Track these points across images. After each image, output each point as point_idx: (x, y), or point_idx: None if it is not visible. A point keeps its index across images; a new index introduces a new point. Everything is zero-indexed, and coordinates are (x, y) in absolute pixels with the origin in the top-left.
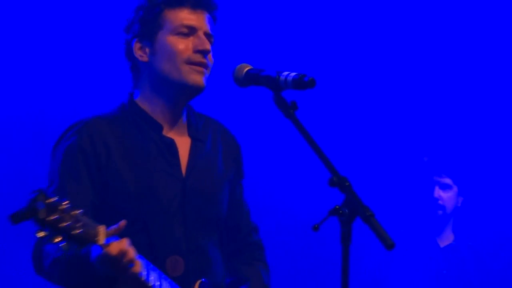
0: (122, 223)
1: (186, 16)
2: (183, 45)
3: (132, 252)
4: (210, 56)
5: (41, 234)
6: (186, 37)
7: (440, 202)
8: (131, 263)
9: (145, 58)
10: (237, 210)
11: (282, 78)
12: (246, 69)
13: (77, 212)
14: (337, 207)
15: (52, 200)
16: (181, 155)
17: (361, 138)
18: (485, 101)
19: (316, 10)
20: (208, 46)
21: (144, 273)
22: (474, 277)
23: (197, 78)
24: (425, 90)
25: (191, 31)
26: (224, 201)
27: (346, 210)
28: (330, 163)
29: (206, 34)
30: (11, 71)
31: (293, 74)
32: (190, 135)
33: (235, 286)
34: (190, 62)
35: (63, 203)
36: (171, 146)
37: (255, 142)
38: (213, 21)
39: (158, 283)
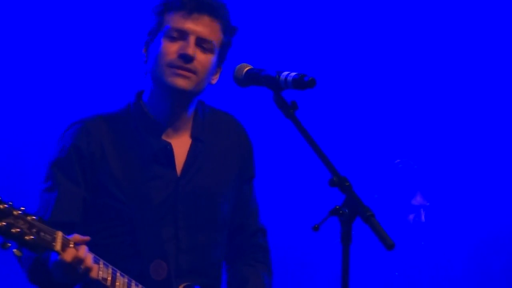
0: (87, 238)
1: (179, 20)
2: (169, 49)
3: (88, 260)
4: (197, 61)
5: None
6: (176, 41)
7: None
8: (86, 270)
9: (145, 59)
10: (242, 210)
11: (282, 78)
12: (246, 69)
13: (32, 217)
14: (337, 207)
15: (4, 206)
16: (179, 156)
17: (361, 138)
18: (486, 104)
19: (316, 10)
20: (190, 51)
21: (109, 279)
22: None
23: (177, 80)
24: (426, 90)
25: (181, 35)
26: (227, 200)
27: (346, 210)
28: (330, 163)
29: (199, 39)
30: (18, 72)
31: (293, 74)
32: (192, 135)
33: None
34: (172, 65)
35: (18, 209)
36: (166, 149)
37: (255, 142)
38: (218, 24)
39: None
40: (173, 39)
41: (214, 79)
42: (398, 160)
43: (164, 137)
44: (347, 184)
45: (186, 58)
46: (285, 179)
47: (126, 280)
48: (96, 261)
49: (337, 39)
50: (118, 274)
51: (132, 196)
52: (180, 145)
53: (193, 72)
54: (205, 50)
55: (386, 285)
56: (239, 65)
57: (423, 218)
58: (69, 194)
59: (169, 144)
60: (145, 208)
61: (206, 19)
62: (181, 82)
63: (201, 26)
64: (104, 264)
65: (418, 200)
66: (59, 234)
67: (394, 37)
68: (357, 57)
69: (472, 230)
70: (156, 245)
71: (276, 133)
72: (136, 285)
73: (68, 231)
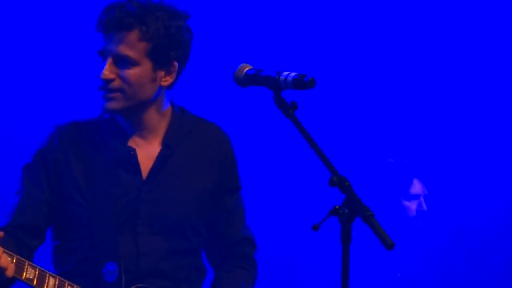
0: (0, 234)
1: (102, 42)
2: (99, 72)
3: (3, 259)
4: (119, 79)
5: None
6: (103, 63)
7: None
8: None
9: None
10: (224, 220)
11: (282, 78)
12: (246, 69)
13: None
14: (337, 207)
15: None
16: (146, 162)
17: (361, 138)
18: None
19: (316, 10)
20: (103, 75)
21: (35, 280)
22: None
23: (106, 104)
24: (426, 90)
25: (104, 56)
26: (198, 209)
27: (346, 210)
28: (330, 163)
29: (115, 57)
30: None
31: (293, 74)
32: (163, 142)
33: None
34: (100, 89)
35: None
36: (130, 154)
37: (255, 142)
38: (135, 34)
39: None
40: (101, 61)
41: (165, 81)
42: (391, 160)
43: (131, 144)
44: (346, 184)
45: (104, 82)
46: (284, 179)
47: (57, 282)
48: (20, 263)
49: (337, 39)
50: (48, 275)
51: (92, 200)
52: (148, 151)
53: (118, 90)
54: (124, 65)
55: (386, 285)
56: (239, 66)
57: (424, 206)
58: (31, 198)
59: (133, 150)
60: (104, 213)
61: (118, 35)
62: (110, 105)
63: (114, 44)
64: (29, 265)
65: (416, 188)
66: None
67: (394, 37)
68: (357, 57)
69: (471, 230)
70: (113, 249)
71: (276, 133)
72: (70, 285)
73: (29, 233)
